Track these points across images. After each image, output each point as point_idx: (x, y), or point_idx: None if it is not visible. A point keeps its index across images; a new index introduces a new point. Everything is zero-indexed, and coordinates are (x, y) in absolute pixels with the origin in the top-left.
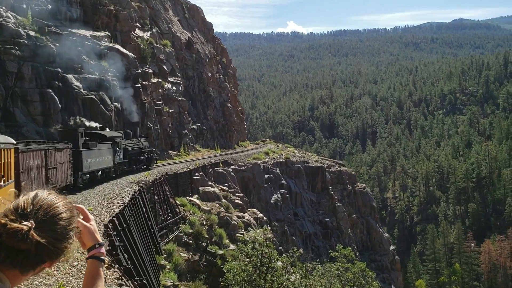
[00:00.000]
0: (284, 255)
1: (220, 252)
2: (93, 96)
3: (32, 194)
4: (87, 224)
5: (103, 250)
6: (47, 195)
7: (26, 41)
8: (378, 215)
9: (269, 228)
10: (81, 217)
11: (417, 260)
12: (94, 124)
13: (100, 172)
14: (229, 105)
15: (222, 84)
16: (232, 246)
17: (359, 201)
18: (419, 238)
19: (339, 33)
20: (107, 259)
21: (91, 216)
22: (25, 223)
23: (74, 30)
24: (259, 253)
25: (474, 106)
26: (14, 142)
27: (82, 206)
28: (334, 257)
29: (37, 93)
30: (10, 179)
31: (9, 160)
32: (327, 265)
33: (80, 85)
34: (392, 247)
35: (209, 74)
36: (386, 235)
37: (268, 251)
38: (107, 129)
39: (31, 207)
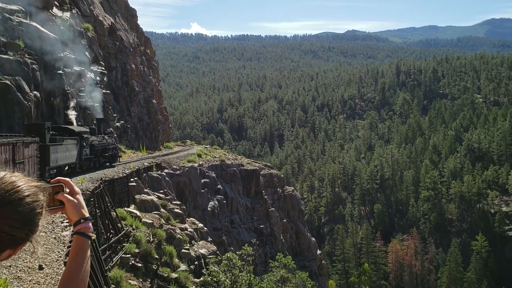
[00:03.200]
0: (265, 280)
1: (174, 275)
2: (8, 82)
3: None
4: (72, 198)
5: (89, 225)
6: (7, 178)
7: None
8: None
9: (251, 248)
10: (67, 190)
11: (326, 261)
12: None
13: (66, 168)
14: (154, 101)
15: (146, 77)
16: (182, 266)
17: (288, 204)
18: (327, 238)
19: (242, 38)
20: (93, 235)
21: (77, 190)
22: None
23: None
24: (233, 278)
25: (373, 111)
26: None
27: (68, 179)
28: (272, 267)
29: None
30: None
31: None
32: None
33: None
34: (319, 252)
35: (133, 66)
36: (313, 239)
37: (247, 277)
38: (74, 124)
39: None
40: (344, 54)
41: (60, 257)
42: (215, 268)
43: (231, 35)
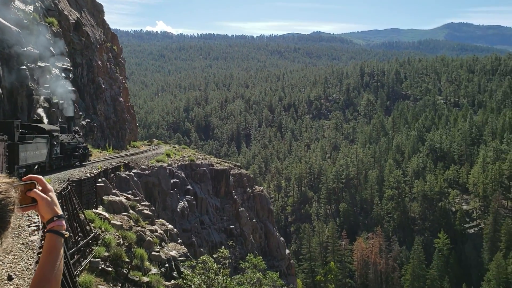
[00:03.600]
0: (235, 280)
1: (146, 279)
2: None
3: None
4: (44, 196)
5: (62, 223)
6: None
7: None
8: None
9: (228, 250)
10: (40, 188)
11: (293, 260)
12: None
13: (36, 167)
14: (121, 99)
15: (113, 75)
16: (154, 270)
17: (258, 204)
18: (294, 237)
19: (209, 37)
20: (67, 233)
21: (50, 187)
22: None
23: None
24: (209, 281)
25: (338, 112)
26: None
27: (40, 176)
28: (243, 268)
29: None
30: None
31: None
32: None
33: None
34: (287, 251)
35: (99, 63)
36: (282, 239)
37: (223, 280)
38: (45, 122)
39: None
40: (309, 55)
41: (30, 265)
42: (188, 272)
43: (197, 34)
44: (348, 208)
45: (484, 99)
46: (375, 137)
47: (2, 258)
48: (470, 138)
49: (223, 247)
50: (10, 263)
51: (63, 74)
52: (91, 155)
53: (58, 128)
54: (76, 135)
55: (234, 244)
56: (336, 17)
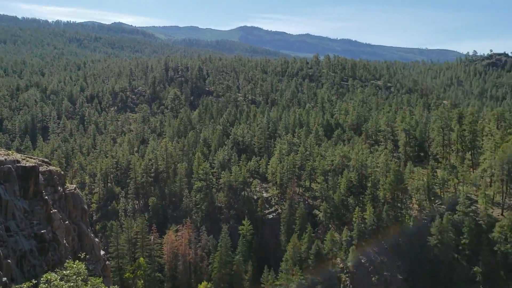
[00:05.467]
0: None
1: None
2: None
3: None
4: None
5: None
6: None
7: None
8: None
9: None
10: None
11: None
12: None
13: None
14: None
15: None
16: None
17: (70, 204)
18: (100, 236)
19: None
20: None
21: None
22: None
23: None
24: None
25: (145, 105)
26: None
27: None
28: (64, 276)
29: None
30: None
31: None
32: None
33: None
34: (102, 252)
35: None
36: (97, 240)
37: None
38: None
39: None
40: (111, 45)
41: None
42: None
43: None
44: (157, 202)
45: (276, 97)
46: (183, 131)
47: None
48: (268, 132)
49: (77, 260)
50: None
51: None
52: None
53: None
54: None
55: (87, 256)
56: (137, 10)
